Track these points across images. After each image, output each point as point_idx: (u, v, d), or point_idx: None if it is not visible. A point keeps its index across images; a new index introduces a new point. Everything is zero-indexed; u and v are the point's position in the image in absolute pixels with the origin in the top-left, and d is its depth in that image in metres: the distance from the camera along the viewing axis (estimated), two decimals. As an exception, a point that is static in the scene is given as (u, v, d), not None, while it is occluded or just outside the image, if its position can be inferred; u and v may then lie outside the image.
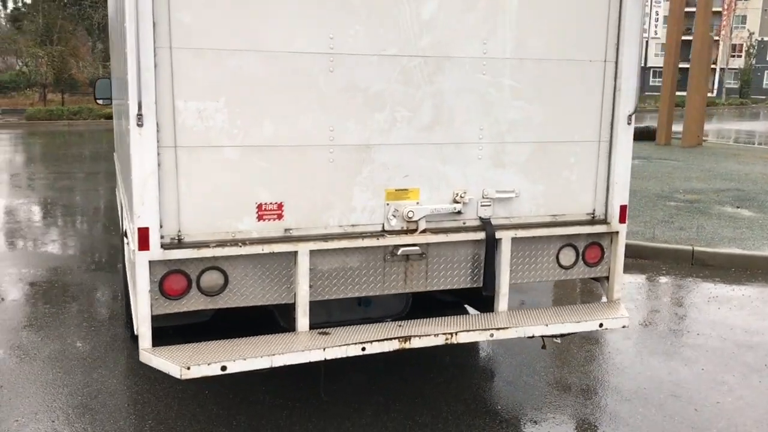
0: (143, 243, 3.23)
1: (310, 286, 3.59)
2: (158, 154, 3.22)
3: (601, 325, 3.92)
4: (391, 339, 3.52)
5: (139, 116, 3.13)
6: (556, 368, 4.72)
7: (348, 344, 3.44)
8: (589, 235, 4.10)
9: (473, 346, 4.99)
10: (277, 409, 4.08)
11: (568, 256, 4.09)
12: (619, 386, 4.47)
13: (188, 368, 3.17)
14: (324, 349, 3.39)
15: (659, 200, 10.53)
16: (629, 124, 4.02)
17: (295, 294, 3.56)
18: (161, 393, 4.24)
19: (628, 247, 7.63)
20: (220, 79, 3.28)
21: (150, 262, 3.27)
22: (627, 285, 6.84)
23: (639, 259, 7.70)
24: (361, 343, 3.46)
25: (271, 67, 3.36)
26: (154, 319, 3.35)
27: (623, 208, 4.10)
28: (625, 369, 4.75)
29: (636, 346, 5.18)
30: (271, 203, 3.48)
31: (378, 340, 3.49)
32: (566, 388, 4.44)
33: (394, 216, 3.69)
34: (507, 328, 3.74)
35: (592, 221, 4.10)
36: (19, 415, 3.95)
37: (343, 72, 3.48)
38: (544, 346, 4.30)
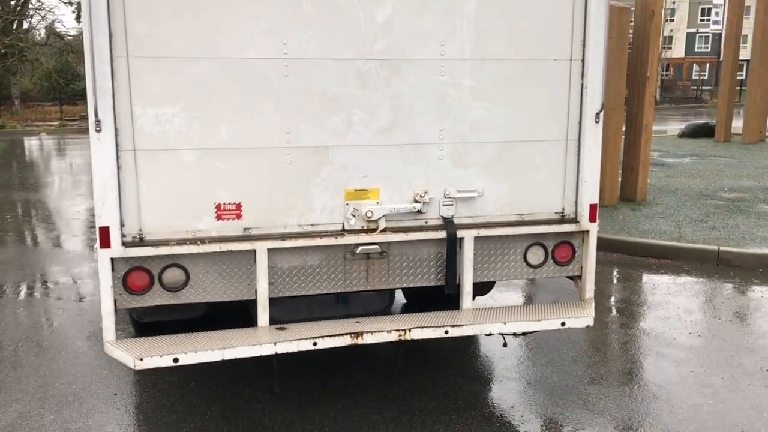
0: (104, 241, 3.43)
1: (271, 283, 3.73)
2: (118, 157, 3.42)
3: (563, 324, 3.91)
4: (343, 335, 3.62)
5: (97, 122, 3.33)
6: (540, 366, 4.71)
7: (300, 339, 3.56)
8: (558, 234, 4.09)
9: (462, 343, 5.02)
10: (253, 401, 4.23)
11: (536, 255, 4.10)
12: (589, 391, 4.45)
13: (141, 359, 3.36)
14: (275, 344, 3.52)
15: (699, 199, 10.22)
16: (597, 122, 4.00)
17: (255, 290, 3.70)
18: (148, 384, 4.46)
19: (651, 247, 7.61)
20: (177, 85, 3.45)
21: (111, 259, 3.47)
22: (642, 286, 6.72)
23: (662, 259, 7.54)
24: (313, 338, 3.57)
25: (226, 72, 3.51)
26: (148, 312, 3.77)
27: (593, 207, 4.08)
28: (602, 375, 4.70)
29: (628, 346, 5.11)
30: (229, 203, 3.63)
31: (329, 336, 3.60)
32: (544, 386, 4.43)
33: (354, 215, 3.78)
34: (462, 325, 3.78)
35: (562, 220, 4.09)
36: (11, 401, 4.23)
37: (297, 76, 3.60)
38: (505, 344, 4.30)
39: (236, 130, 3.57)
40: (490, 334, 3.87)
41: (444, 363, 4.77)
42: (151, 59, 3.41)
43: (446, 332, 3.76)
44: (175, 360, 3.39)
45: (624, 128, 10.04)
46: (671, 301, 6.15)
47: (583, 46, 3.92)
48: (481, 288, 4.60)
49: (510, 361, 4.80)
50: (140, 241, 3.53)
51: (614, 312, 5.91)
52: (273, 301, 3.97)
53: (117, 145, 3.41)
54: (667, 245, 7.69)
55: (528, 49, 3.88)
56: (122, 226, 3.49)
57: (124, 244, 3.49)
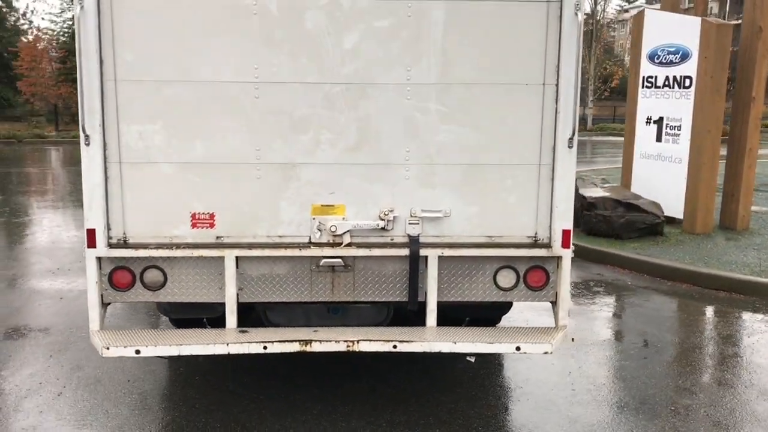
0: (91, 242, 3.89)
1: (240, 289, 4.03)
2: (106, 168, 3.87)
3: (518, 348, 3.89)
4: (292, 341, 3.84)
5: (86, 137, 3.79)
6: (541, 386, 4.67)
7: (250, 342, 3.82)
8: (530, 258, 4.08)
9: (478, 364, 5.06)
10: (239, 398, 4.54)
11: (507, 278, 4.10)
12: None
13: (108, 348, 3.78)
14: (227, 344, 3.81)
15: (812, 231, 9.39)
16: (570, 147, 3.95)
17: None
18: (160, 374, 4.90)
19: (724, 280, 7.13)
20: (158, 105, 3.85)
21: (97, 258, 3.92)
22: (701, 325, 6.36)
23: (734, 293, 7.06)
24: (263, 342, 3.83)
25: (202, 94, 3.86)
26: (173, 310, 4.38)
27: (566, 233, 4.03)
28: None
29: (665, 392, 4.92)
30: (203, 213, 3.98)
31: (279, 341, 3.84)
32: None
33: (320, 230, 4.00)
34: (412, 341, 3.88)
35: (534, 244, 4.07)
36: (20, 383, 4.83)
37: (267, 98, 3.88)
38: (468, 360, 4.24)
39: (210, 147, 3.91)
40: (439, 352, 3.93)
41: (436, 377, 4.85)
42: (135, 82, 3.83)
43: (395, 347, 3.87)
44: (137, 351, 3.78)
45: (727, 152, 9.47)
46: (734, 342, 5.80)
47: (557, 70, 3.90)
48: (485, 311, 4.60)
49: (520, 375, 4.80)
50: (124, 244, 3.96)
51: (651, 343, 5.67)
52: (272, 307, 4.30)
53: (105, 158, 3.86)
54: (742, 279, 7.18)
55: (498, 74, 3.92)
56: (109, 229, 3.93)
57: (110, 246, 3.93)
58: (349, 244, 4.01)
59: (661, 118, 9.61)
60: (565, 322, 4.11)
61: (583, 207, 9.20)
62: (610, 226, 8.85)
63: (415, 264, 4.00)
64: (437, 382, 4.80)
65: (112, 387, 4.70)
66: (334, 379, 4.80)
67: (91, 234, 3.89)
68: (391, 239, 4.05)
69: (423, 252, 4.00)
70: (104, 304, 4.03)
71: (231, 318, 4.03)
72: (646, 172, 9.88)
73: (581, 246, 8.62)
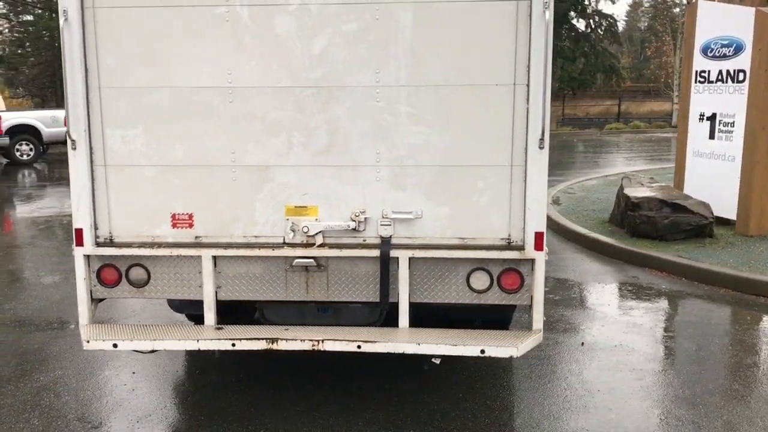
0: (78, 241, 4.12)
1: (219, 287, 4.17)
2: (93, 171, 4.09)
3: (482, 351, 3.85)
4: (259, 339, 3.95)
5: (72, 142, 4.02)
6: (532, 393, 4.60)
7: (220, 339, 3.95)
8: (503, 260, 4.03)
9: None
10: (225, 392, 4.70)
11: (481, 280, 4.07)
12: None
13: (88, 341, 3.99)
14: (197, 341, 3.96)
15: None
16: (541, 148, 3.88)
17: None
18: (166, 367, 5.12)
19: (764, 285, 6.77)
20: (139, 111, 4.04)
21: (85, 256, 4.15)
22: (721, 331, 6.07)
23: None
24: (232, 339, 3.95)
25: (180, 99, 4.02)
26: (184, 307, 4.61)
27: (539, 235, 3.96)
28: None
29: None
30: (183, 214, 4.14)
31: (247, 339, 3.95)
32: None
33: (293, 230, 4.09)
34: (376, 342, 3.90)
35: (508, 247, 4.02)
36: (61, 368, 5.14)
37: (241, 102, 4.00)
38: (432, 362, 4.16)
39: (188, 150, 4.06)
40: (403, 353, 3.93)
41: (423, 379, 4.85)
42: (118, 89, 4.03)
43: (359, 347, 3.91)
44: (115, 345, 3.98)
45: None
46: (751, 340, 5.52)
47: (528, 70, 3.84)
48: (494, 312, 4.50)
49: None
50: (110, 242, 4.17)
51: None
52: (268, 306, 4.43)
53: (92, 161, 4.08)
54: (786, 284, 6.80)
55: (468, 75, 3.89)
56: (96, 228, 4.15)
57: (97, 244, 4.15)
58: (321, 245, 4.08)
59: (714, 115, 9.19)
60: (539, 325, 4.04)
61: (627, 207, 8.92)
62: (654, 228, 8.54)
63: (386, 265, 4.03)
64: (428, 383, 4.79)
65: (118, 370, 4.96)
66: (325, 379, 4.88)
67: (78, 233, 4.11)
68: (364, 240, 4.09)
69: (394, 253, 4.02)
70: (94, 300, 4.25)
71: (209, 315, 4.17)
72: (699, 172, 9.47)
73: (621, 248, 8.38)
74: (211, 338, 3.97)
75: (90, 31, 3.98)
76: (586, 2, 53.11)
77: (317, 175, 4.05)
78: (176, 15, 3.95)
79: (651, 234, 8.58)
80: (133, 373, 5.03)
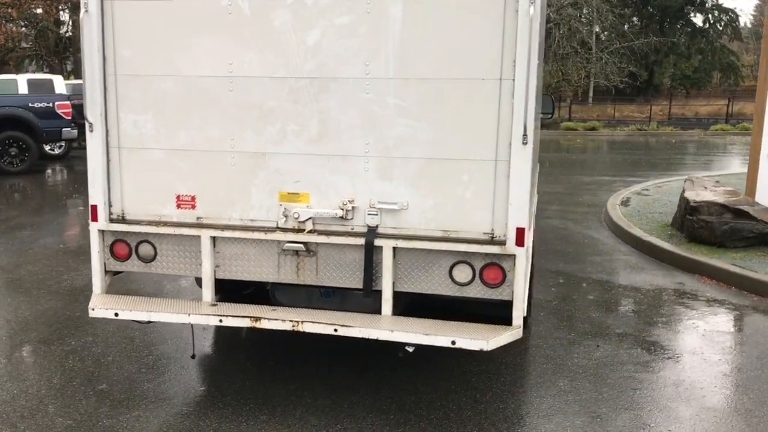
0: (94, 216, 4.46)
1: (217, 266, 4.40)
2: (108, 152, 4.42)
3: (453, 342, 3.89)
4: (244, 317, 4.15)
5: (90, 124, 4.35)
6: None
7: (209, 315, 4.19)
8: (486, 255, 4.04)
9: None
10: (225, 374, 4.94)
11: (463, 273, 4.10)
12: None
13: (93, 309, 4.32)
14: (189, 315, 4.20)
15: None
16: (524, 144, 3.87)
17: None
18: (218, 336, 5.44)
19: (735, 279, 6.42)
20: (149, 97, 4.32)
21: (99, 230, 4.48)
22: (753, 341, 5.80)
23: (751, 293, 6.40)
24: (219, 315, 4.17)
25: (185, 87, 4.27)
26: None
27: (520, 231, 3.95)
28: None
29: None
30: (186, 195, 4.39)
31: (233, 316, 4.16)
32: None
33: (285, 216, 4.26)
34: (351, 326, 4.02)
35: (490, 241, 4.03)
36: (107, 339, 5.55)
37: (240, 91, 4.21)
38: (406, 349, 4.19)
39: (192, 135, 4.31)
40: (376, 339, 4.02)
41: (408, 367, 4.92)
42: (132, 76, 4.33)
43: (335, 330, 4.04)
44: (116, 314, 4.29)
45: None
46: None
47: (515, 65, 3.84)
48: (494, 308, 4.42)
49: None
50: (122, 220, 4.48)
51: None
52: (278, 288, 4.65)
53: (107, 143, 4.40)
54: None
55: (455, 69, 3.93)
56: (111, 206, 4.48)
57: (111, 220, 4.47)
58: (311, 231, 4.23)
59: (789, 117, 8.68)
60: (519, 321, 4.03)
61: (686, 211, 8.58)
62: (712, 233, 8.17)
63: (370, 253, 4.13)
64: (425, 374, 4.87)
65: (169, 333, 5.31)
66: (326, 363, 5.04)
67: (94, 209, 4.45)
68: (352, 228, 4.20)
69: (378, 242, 4.12)
70: (108, 272, 4.58)
71: (206, 292, 4.41)
72: (772, 177, 8.98)
73: (672, 252, 8.09)
74: (201, 313, 4.21)
75: (108, 22, 4.28)
76: (705, -4, 51.04)
77: (309, 164, 4.20)
78: (184, 7, 4.19)
79: (709, 240, 8.22)
80: (193, 357, 5.15)
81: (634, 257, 8.42)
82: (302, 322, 4.09)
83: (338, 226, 4.22)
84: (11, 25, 34.76)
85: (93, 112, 4.33)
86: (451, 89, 3.96)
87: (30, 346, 5.38)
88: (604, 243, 9.19)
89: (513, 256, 3.99)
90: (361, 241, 4.15)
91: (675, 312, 6.36)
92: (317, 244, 4.25)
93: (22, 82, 17.77)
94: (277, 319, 4.12)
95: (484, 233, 4.04)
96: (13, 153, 15.99)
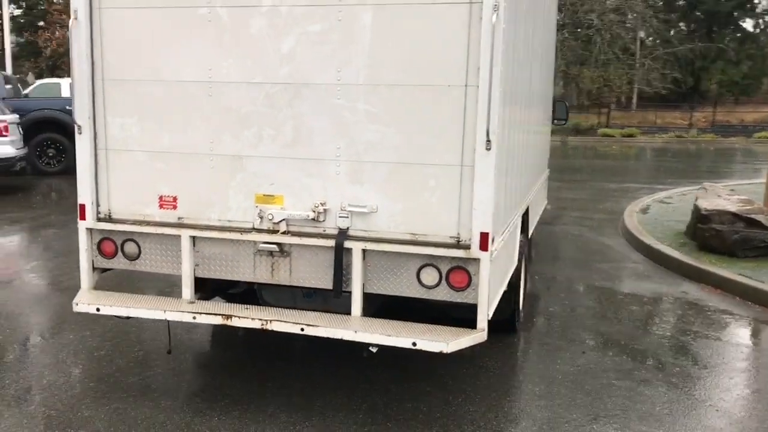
0: (82, 215, 4.64)
1: (197, 265, 4.55)
2: (96, 154, 4.61)
3: (414, 344, 3.95)
4: (216, 315, 4.28)
5: (79, 127, 4.55)
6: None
7: (183, 312, 4.33)
8: (452, 258, 4.10)
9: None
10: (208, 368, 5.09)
11: (430, 276, 4.17)
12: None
13: (77, 304, 4.51)
14: (164, 311, 4.36)
15: None
16: (488, 150, 3.92)
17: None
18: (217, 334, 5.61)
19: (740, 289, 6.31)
20: (134, 101, 4.50)
21: (87, 229, 4.67)
22: (746, 351, 5.72)
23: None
24: (193, 312, 4.31)
25: (168, 92, 4.43)
26: None
27: (484, 236, 4.00)
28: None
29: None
30: (168, 196, 4.55)
31: (206, 314, 4.30)
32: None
33: (261, 217, 4.39)
34: (317, 326, 4.11)
35: (456, 245, 4.09)
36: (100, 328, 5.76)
37: (219, 96, 4.35)
38: (369, 350, 4.24)
39: (174, 138, 4.47)
40: (340, 339, 4.10)
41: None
42: (118, 81, 4.51)
43: (302, 329, 4.14)
44: (97, 309, 4.46)
45: None
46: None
47: (479, 72, 3.90)
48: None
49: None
50: (109, 218, 4.66)
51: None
52: (265, 288, 4.80)
53: (95, 145, 4.60)
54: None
55: (422, 75, 4.00)
56: (98, 205, 4.66)
57: (98, 219, 4.66)
58: (284, 232, 4.34)
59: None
60: (483, 324, 4.07)
61: (698, 220, 8.47)
62: (723, 242, 8.05)
63: (340, 254, 4.22)
64: (407, 375, 4.93)
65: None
66: (306, 362, 5.16)
67: (82, 208, 4.64)
68: (324, 230, 4.31)
69: (348, 244, 4.21)
70: (96, 269, 4.77)
71: (186, 290, 4.56)
72: (789, 186, 8.79)
73: (680, 260, 8.01)
74: (176, 310, 4.36)
75: (96, 29, 4.48)
76: (756, 0, 49.83)
77: (284, 167, 4.32)
78: (167, 15, 4.36)
79: (719, 249, 8.10)
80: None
81: (643, 265, 8.33)
82: (271, 321, 4.20)
83: (311, 227, 4.33)
84: (65, 30, 35.92)
85: (81, 116, 4.53)
86: (418, 95, 4.03)
87: (29, 338, 5.62)
88: (616, 250, 9.11)
89: (478, 260, 4.04)
90: (332, 242, 4.24)
91: (671, 321, 6.30)
92: (291, 245, 4.36)
93: (65, 85, 18.38)
94: (247, 318, 4.25)
95: (451, 237, 4.10)
96: (50, 154, 16.52)
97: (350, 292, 4.29)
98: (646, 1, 39.94)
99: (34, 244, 9.01)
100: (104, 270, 4.84)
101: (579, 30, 38.60)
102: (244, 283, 4.73)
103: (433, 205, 4.10)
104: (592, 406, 4.53)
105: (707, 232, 8.22)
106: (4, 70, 25.15)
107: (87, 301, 4.53)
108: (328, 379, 4.86)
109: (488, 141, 3.90)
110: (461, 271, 4.11)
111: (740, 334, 6.08)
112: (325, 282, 4.36)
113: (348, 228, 4.25)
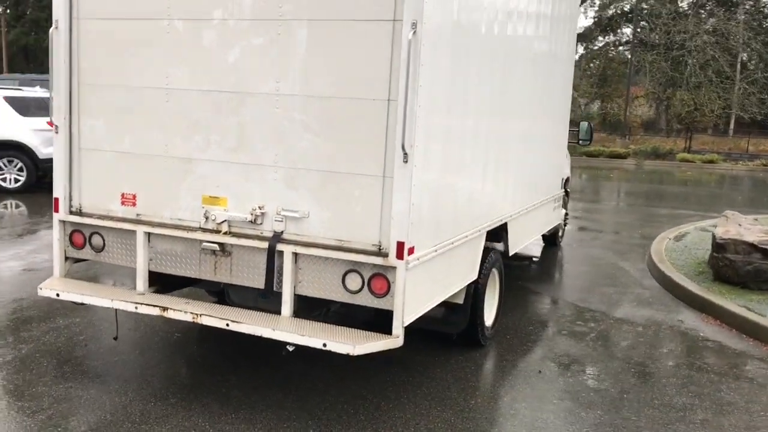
0: (56, 207, 5.05)
1: (151, 259, 4.86)
2: (71, 151, 5.01)
3: (324, 345, 4.10)
4: (154, 306, 4.56)
5: (56, 127, 4.96)
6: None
7: (127, 302, 4.63)
8: (373, 265, 4.24)
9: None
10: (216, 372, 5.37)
11: (354, 281, 4.31)
12: None
13: (41, 289, 4.89)
14: (112, 300, 4.67)
15: None
16: (405, 162, 4.05)
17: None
18: (195, 337, 5.95)
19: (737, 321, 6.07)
20: (103, 104, 4.87)
21: (60, 221, 5.07)
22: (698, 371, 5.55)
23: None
24: (135, 303, 4.61)
25: (131, 97, 4.78)
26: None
27: (400, 245, 4.12)
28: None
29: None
30: (129, 193, 4.89)
31: (146, 305, 4.58)
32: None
33: (206, 217, 4.66)
34: (241, 323, 4.32)
35: (378, 253, 4.22)
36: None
37: (174, 102, 4.66)
38: (285, 352, 4.34)
39: (135, 139, 4.81)
40: (260, 337, 4.29)
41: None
42: (91, 85, 4.90)
43: (227, 324, 4.36)
44: (57, 294, 4.83)
45: None
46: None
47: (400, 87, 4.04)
48: None
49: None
50: (79, 212, 5.05)
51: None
52: (229, 287, 5.10)
53: (71, 144, 5.00)
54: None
55: (351, 89, 4.18)
56: (71, 199, 5.06)
57: (71, 212, 5.05)
58: (226, 233, 4.59)
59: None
60: (398, 331, 4.18)
61: (713, 248, 8.19)
62: (736, 273, 7.77)
63: (272, 256, 4.43)
64: (346, 378, 5.06)
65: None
66: (254, 362, 5.37)
67: (56, 202, 5.04)
68: (261, 233, 4.53)
69: (280, 247, 4.42)
70: (68, 258, 5.16)
71: (139, 282, 4.87)
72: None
73: (686, 289, 7.78)
74: (121, 300, 4.67)
75: (74, 37, 4.88)
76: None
77: (228, 171, 4.58)
78: (134, 26, 4.71)
79: (732, 279, 7.82)
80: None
81: (650, 292, 8.13)
82: (201, 315, 4.45)
83: (249, 229, 4.56)
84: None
85: (58, 116, 4.93)
86: (347, 108, 4.21)
87: (21, 323, 6.07)
88: (631, 276, 8.91)
89: (395, 268, 4.16)
90: (267, 244, 4.46)
91: (650, 348, 6.16)
92: (231, 245, 4.61)
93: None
94: (180, 311, 4.51)
95: (373, 245, 4.25)
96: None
97: (281, 293, 4.48)
98: (748, 24, 38.48)
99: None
100: (76, 260, 5.22)
101: (671, 51, 37.58)
102: (206, 280, 4.95)
103: (358, 214, 4.26)
104: (520, 425, 4.53)
105: (721, 262, 7.95)
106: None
107: (50, 287, 4.91)
108: (274, 377, 5.05)
109: (405, 153, 4.03)
110: (381, 278, 4.24)
111: (716, 365, 5.87)
112: (260, 282, 4.57)
113: (282, 231, 4.46)
